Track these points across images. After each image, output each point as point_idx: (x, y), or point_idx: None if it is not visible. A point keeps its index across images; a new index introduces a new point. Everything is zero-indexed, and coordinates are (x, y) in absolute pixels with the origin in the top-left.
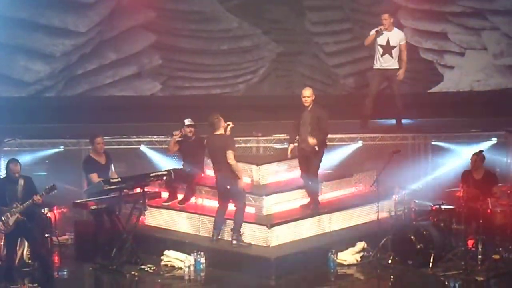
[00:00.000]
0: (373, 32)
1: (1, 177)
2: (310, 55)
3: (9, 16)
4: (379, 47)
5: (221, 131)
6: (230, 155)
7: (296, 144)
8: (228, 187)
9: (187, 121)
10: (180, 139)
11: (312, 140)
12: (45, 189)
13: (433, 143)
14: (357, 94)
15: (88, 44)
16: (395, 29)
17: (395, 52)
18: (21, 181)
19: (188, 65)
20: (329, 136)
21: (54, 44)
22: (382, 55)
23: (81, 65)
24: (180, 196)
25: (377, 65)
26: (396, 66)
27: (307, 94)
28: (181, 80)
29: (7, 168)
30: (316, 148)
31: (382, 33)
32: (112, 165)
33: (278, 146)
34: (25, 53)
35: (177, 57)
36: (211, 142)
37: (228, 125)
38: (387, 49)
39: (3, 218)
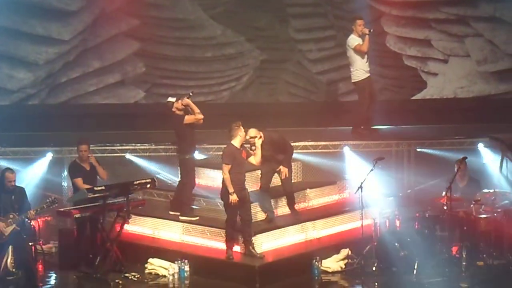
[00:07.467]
0: (365, 35)
1: None
2: (294, 62)
3: None
4: (365, 55)
5: (235, 140)
6: (223, 168)
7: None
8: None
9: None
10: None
11: (284, 169)
12: (46, 202)
13: (418, 150)
14: (340, 101)
15: (71, 52)
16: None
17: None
18: (15, 191)
19: (172, 72)
20: (313, 143)
21: (37, 52)
22: (367, 61)
23: (64, 73)
24: None
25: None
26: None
27: (252, 134)
28: (165, 88)
29: (2, 177)
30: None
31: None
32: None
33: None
34: (8, 61)
35: (161, 65)
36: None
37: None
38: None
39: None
